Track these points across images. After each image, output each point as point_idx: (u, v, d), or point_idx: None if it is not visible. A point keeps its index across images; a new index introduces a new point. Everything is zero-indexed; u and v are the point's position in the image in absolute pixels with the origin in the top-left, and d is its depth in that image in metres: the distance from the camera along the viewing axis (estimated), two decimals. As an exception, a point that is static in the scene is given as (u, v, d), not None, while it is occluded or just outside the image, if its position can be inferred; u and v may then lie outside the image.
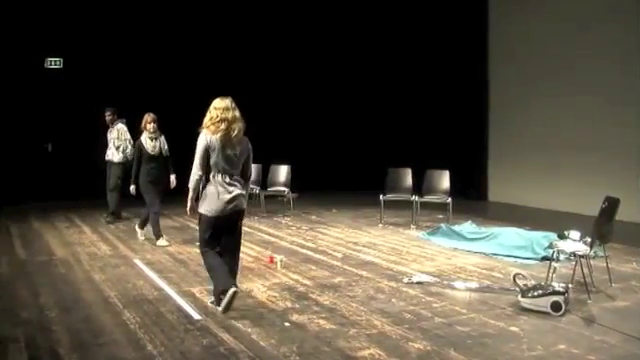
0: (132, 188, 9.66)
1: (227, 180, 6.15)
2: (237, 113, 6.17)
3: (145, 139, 9.55)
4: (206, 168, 6.11)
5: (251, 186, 12.46)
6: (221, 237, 6.31)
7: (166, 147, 9.76)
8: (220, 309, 6.07)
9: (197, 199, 6.23)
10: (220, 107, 6.13)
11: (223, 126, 6.06)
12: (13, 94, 14.40)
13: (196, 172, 6.12)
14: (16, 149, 14.31)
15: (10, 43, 14.09)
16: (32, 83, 14.55)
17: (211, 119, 6.12)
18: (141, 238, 9.98)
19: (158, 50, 15.17)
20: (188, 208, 6.26)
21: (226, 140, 6.10)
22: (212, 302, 6.35)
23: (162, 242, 9.57)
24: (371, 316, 6.10)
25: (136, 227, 10.19)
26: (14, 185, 13.80)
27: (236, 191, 6.17)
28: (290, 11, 16.49)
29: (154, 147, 9.55)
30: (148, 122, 9.53)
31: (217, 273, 6.19)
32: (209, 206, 6.14)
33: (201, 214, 6.22)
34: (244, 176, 6.35)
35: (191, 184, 6.18)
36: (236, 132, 6.12)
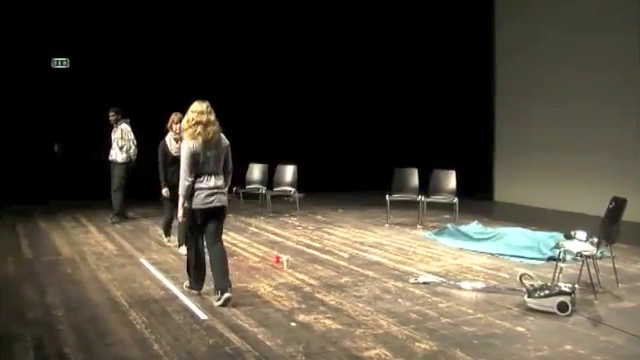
0: (165, 191, 8.87)
1: (211, 180, 6.52)
2: (212, 117, 6.51)
3: (170, 140, 8.87)
4: (193, 172, 6.47)
5: (257, 186, 12.71)
6: (204, 230, 6.67)
7: None
8: (218, 304, 6.44)
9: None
10: (196, 111, 6.50)
11: (199, 129, 6.41)
12: (20, 94, 14.45)
13: (186, 177, 6.44)
14: (23, 149, 14.35)
15: (17, 43, 14.13)
16: (39, 83, 14.59)
17: (188, 121, 6.50)
18: (170, 244, 9.39)
19: (165, 50, 15.19)
20: (180, 215, 6.68)
21: (206, 143, 6.45)
22: (187, 287, 6.98)
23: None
24: (377, 316, 6.10)
25: (164, 238, 9.58)
26: (20, 185, 13.83)
27: (217, 189, 6.54)
28: (297, 12, 16.48)
29: (178, 149, 8.40)
30: (174, 122, 8.72)
31: (197, 273, 6.82)
32: (193, 202, 6.50)
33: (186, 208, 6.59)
34: (225, 171, 6.71)
35: (182, 191, 6.50)
36: (211, 135, 6.46)
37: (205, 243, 6.74)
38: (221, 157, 6.61)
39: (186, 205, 6.52)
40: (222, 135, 6.65)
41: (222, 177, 6.64)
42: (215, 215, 6.60)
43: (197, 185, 6.48)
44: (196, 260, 6.78)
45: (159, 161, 8.90)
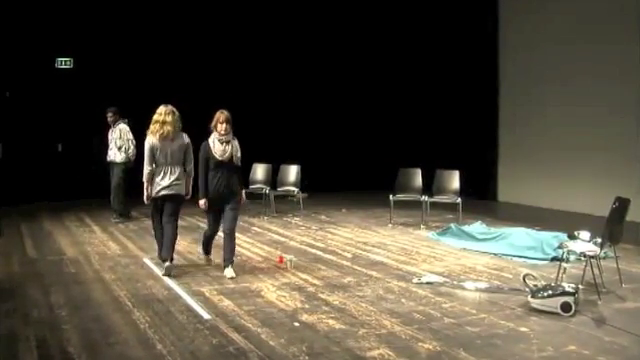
0: (202, 202, 7.77)
1: (168, 171, 7.77)
2: (168, 118, 7.75)
3: (213, 141, 7.70)
4: (153, 163, 7.74)
5: (261, 186, 12.70)
6: (163, 212, 7.93)
7: (239, 154, 7.85)
8: (162, 274, 7.71)
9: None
10: (157, 112, 7.83)
11: (157, 127, 7.72)
12: (24, 94, 14.47)
13: (147, 167, 7.76)
14: (26, 149, 14.37)
15: (21, 43, 14.15)
16: (42, 83, 14.61)
17: (152, 121, 7.80)
18: (230, 275, 7.68)
19: (169, 51, 15.20)
20: (145, 197, 7.86)
21: (163, 139, 7.73)
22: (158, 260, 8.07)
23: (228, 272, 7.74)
24: (380, 316, 6.10)
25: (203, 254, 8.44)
26: (25, 185, 13.86)
27: (174, 179, 7.79)
28: (300, 12, 16.49)
29: (223, 152, 7.67)
30: (220, 122, 7.66)
31: (159, 245, 8.06)
32: (155, 190, 7.79)
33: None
34: (185, 165, 7.93)
35: (145, 177, 7.80)
36: (166, 133, 7.70)
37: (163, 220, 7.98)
38: (180, 153, 7.85)
39: (149, 192, 7.80)
40: (183, 134, 7.92)
41: (179, 169, 7.84)
42: (170, 200, 7.84)
43: (156, 177, 7.76)
44: (159, 234, 8.03)
45: (199, 167, 7.80)
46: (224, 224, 7.87)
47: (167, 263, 7.70)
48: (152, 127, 7.75)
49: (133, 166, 11.61)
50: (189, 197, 8.05)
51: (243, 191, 8.08)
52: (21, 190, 13.70)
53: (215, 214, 7.89)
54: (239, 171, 7.97)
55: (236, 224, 7.91)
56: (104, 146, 12.01)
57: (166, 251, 7.80)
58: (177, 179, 7.80)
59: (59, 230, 11.04)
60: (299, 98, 16.77)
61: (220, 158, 7.68)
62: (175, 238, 7.96)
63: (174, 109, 7.87)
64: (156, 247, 8.39)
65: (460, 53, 15.84)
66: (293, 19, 16.49)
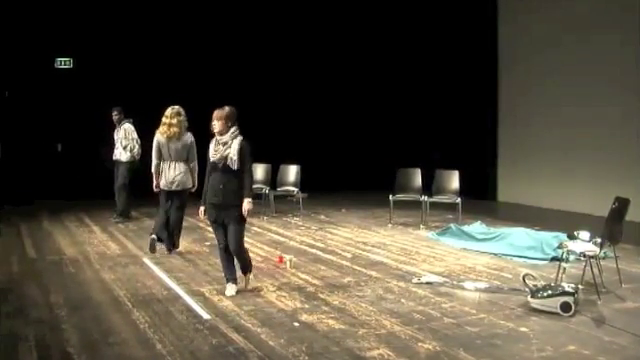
0: (201, 210, 6.87)
1: (173, 166, 8.77)
2: (174, 120, 8.65)
3: (213, 141, 6.81)
4: (160, 158, 8.76)
5: (260, 186, 12.69)
6: (169, 202, 8.95)
7: (235, 157, 6.60)
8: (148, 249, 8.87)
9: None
10: (165, 114, 8.73)
11: (165, 128, 8.67)
12: (23, 94, 14.47)
13: (154, 161, 8.81)
14: (26, 149, 14.36)
15: (20, 43, 14.15)
16: (42, 83, 14.61)
17: (161, 122, 8.73)
18: (231, 292, 6.84)
19: (168, 50, 15.20)
20: (154, 186, 8.89)
21: (168, 138, 8.69)
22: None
23: (229, 290, 6.87)
24: (380, 316, 6.10)
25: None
26: (24, 185, 13.85)
27: (177, 174, 8.77)
28: (300, 13, 16.47)
29: (215, 152, 6.67)
30: (212, 119, 6.74)
31: (156, 225, 9.05)
32: (161, 182, 8.85)
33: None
34: (189, 162, 8.86)
35: (153, 169, 8.85)
36: (171, 133, 8.66)
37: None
38: (183, 151, 8.77)
39: (157, 182, 8.84)
40: (188, 134, 8.82)
41: (183, 165, 8.78)
42: (176, 195, 8.88)
43: (162, 171, 8.77)
44: (163, 221, 8.91)
45: (205, 175, 6.92)
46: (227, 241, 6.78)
47: (153, 236, 8.90)
48: (160, 128, 8.74)
49: (139, 166, 11.57)
50: (195, 189, 8.93)
51: (246, 200, 6.59)
52: (21, 190, 13.70)
53: (215, 225, 6.80)
54: (242, 176, 6.64)
55: (238, 241, 6.71)
56: (109, 146, 12.03)
57: (168, 239, 8.95)
58: (181, 174, 8.81)
59: (59, 230, 11.04)
60: (299, 98, 16.76)
61: (212, 159, 6.69)
62: (178, 226, 9.09)
63: (180, 110, 8.80)
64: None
65: (460, 53, 15.82)
66: (294, 20, 16.47)
